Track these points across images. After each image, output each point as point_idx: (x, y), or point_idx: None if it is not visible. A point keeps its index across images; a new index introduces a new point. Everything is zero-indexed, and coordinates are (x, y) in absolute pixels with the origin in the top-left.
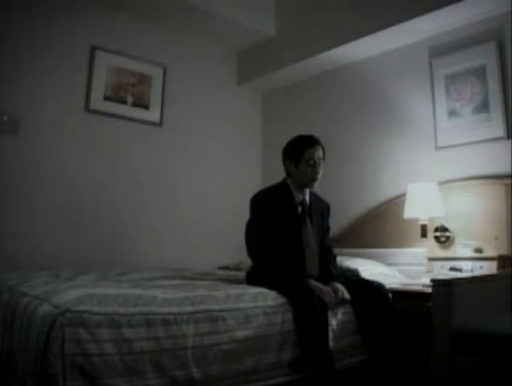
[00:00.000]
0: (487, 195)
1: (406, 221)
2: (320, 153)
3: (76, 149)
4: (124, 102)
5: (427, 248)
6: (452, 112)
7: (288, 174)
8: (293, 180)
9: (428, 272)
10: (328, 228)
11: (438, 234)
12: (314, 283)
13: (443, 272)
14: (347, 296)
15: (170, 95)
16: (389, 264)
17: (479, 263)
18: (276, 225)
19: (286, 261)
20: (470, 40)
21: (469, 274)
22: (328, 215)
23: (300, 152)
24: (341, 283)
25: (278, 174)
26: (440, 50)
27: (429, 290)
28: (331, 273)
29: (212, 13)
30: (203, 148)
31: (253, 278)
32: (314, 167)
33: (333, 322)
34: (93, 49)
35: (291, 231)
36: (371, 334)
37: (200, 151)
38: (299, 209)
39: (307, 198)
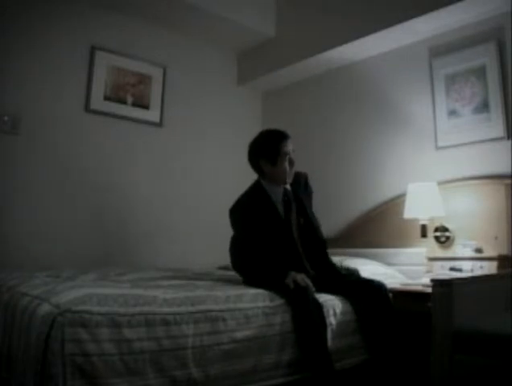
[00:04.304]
0: (487, 195)
1: (406, 221)
2: (292, 145)
3: (76, 149)
4: (124, 102)
5: (427, 248)
6: (452, 112)
7: (262, 174)
8: (267, 179)
9: (428, 272)
10: (310, 206)
11: (438, 234)
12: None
13: (443, 272)
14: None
15: (170, 95)
16: (389, 264)
17: (479, 263)
18: (260, 232)
19: (278, 262)
20: (470, 40)
21: (469, 274)
22: (307, 185)
23: (276, 148)
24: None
25: None
26: (440, 50)
27: (429, 290)
28: (336, 271)
29: (212, 13)
30: (203, 148)
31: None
32: (291, 161)
33: (333, 322)
34: (93, 49)
35: (277, 232)
36: (371, 334)
37: (200, 151)
38: (284, 200)
39: (288, 186)
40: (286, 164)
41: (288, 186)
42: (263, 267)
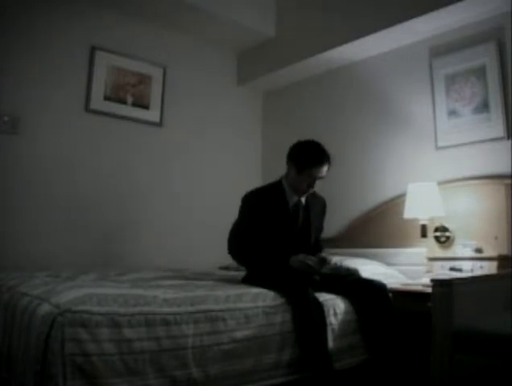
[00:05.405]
0: (487, 195)
1: (406, 221)
2: (324, 171)
3: (76, 149)
4: (124, 102)
5: (427, 248)
6: (452, 112)
7: (287, 172)
8: (288, 182)
9: (428, 272)
10: (321, 229)
11: (438, 234)
12: (295, 258)
13: (443, 272)
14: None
15: (170, 95)
16: (389, 264)
17: (479, 263)
18: (266, 226)
19: (273, 255)
20: (470, 40)
21: (469, 274)
22: (324, 212)
23: (306, 167)
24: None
25: (278, 174)
26: (440, 50)
27: (429, 290)
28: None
29: (212, 13)
30: (203, 148)
31: (249, 280)
32: (312, 183)
33: (333, 321)
34: (93, 49)
35: (281, 231)
36: (371, 334)
37: (200, 151)
38: (292, 210)
39: (303, 199)
40: (306, 183)
41: (303, 200)
42: (265, 252)
